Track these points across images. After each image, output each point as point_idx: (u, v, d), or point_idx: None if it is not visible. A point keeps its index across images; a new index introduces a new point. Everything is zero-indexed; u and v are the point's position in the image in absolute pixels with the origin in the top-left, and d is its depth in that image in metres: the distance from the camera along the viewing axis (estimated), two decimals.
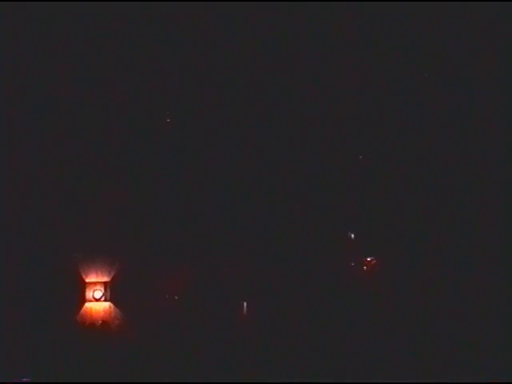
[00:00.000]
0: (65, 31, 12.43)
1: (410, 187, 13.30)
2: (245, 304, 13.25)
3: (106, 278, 13.19)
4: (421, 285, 13.06)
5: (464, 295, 12.87)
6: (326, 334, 12.90)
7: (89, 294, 13.12)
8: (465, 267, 13.02)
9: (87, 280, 13.15)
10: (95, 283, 13.14)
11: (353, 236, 13.51)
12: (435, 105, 13.10)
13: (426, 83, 13.11)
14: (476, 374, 11.60)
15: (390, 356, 12.52)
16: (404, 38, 13.05)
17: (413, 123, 13.26)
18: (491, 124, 12.98)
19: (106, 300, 13.17)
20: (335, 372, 12.32)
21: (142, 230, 13.06)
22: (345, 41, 13.01)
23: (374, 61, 13.04)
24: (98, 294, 13.13)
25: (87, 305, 13.11)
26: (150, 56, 12.79)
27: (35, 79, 12.38)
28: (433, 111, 13.13)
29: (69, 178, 12.87)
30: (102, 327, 13.00)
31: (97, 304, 13.14)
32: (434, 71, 13.06)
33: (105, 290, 13.15)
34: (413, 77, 13.07)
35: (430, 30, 13.05)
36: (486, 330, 12.55)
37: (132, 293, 13.02)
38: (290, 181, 13.24)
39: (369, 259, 13.52)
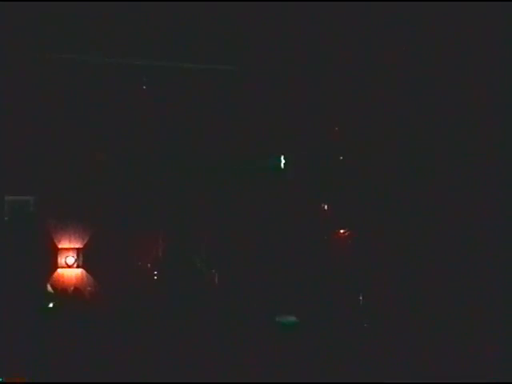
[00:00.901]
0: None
1: (385, 159, 13.33)
2: (216, 273, 13.21)
3: (78, 245, 13.23)
4: (396, 257, 12.97)
5: (447, 272, 12.69)
6: (297, 306, 12.79)
7: (61, 260, 13.14)
8: (441, 239, 12.91)
9: (60, 246, 13.19)
10: (68, 249, 13.18)
11: (326, 207, 13.53)
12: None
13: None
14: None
15: (365, 334, 12.34)
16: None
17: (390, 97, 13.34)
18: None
19: (78, 266, 13.18)
20: (306, 343, 12.17)
21: (116, 196, 13.14)
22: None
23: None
24: (71, 260, 13.14)
25: (59, 271, 13.11)
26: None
27: None
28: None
29: (42, 144, 12.99)
30: (73, 294, 12.94)
31: (69, 270, 13.14)
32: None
33: (77, 256, 13.17)
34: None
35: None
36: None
37: (105, 260, 13.03)
38: (264, 150, 13.36)
39: (342, 231, 13.50)
